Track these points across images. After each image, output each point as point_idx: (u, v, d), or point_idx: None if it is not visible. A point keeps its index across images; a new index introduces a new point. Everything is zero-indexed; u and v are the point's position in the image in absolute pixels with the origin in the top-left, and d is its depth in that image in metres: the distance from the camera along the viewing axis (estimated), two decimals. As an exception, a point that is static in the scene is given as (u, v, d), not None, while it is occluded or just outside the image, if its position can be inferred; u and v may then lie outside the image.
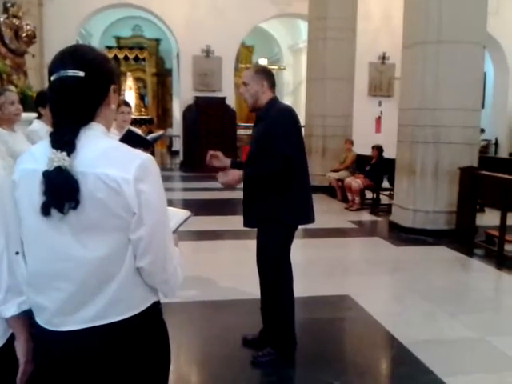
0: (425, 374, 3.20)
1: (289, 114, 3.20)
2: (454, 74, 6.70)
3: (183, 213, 1.76)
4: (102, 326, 1.35)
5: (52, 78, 1.36)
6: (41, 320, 1.41)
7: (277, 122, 3.09)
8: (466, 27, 6.70)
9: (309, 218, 3.32)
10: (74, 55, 1.37)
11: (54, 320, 1.38)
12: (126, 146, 1.40)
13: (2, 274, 1.47)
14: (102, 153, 1.32)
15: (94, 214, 1.30)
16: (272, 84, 3.26)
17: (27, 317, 1.50)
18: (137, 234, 1.34)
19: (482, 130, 16.24)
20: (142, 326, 1.41)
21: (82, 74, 1.33)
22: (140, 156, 1.35)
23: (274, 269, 3.27)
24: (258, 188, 3.19)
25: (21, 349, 1.53)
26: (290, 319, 3.34)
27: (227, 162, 3.31)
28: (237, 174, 3.14)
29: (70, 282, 1.34)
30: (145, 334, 1.42)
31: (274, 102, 3.26)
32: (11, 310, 1.49)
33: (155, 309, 1.48)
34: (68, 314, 1.35)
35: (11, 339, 1.55)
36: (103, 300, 1.34)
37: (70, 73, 1.33)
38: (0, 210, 1.46)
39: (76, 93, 1.33)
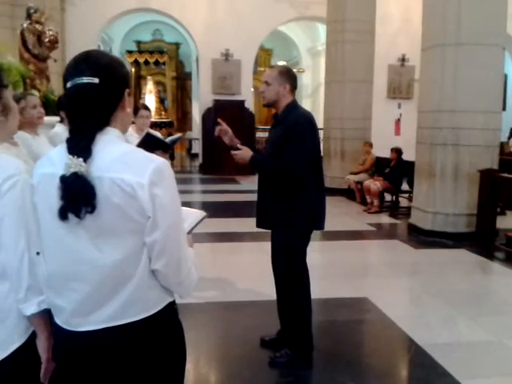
0: (442, 376, 3.19)
1: (307, 121, 3.18)
2: (473, 76, 6.65)
3: (198, 213, 1.77)
4: (119, 327, 1.38)
5: (67, 86, 1.39)
6: (59, 320, 1.45)
7: (294, 130, 3.09)
8: (485, 29, 6.64)
9: (320, 224, 3.32)
10: (88, 62, 1.39)
11: (71, 320, 1.41)
12: (140, 151, 1.43)
13: (23, 273, 1.52)
14: (117, 158, 1.35)
15: (110, 218, 1.33)
16: (294, 87, 3.26)
17: (48, 315, 1.53)
18: (151, 237, 1.36)
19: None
20: (157, 326, 1.44)
21: (96, 80, 1.36)
22: (154, 161, 1.37)
23: (290, 272, 3.29)
24: (272, 190, 3.22)
25: (42, 346, 1.58)
26: (306, 321, 3.35)
27: (236, 142, 3.30)
28: (248, 154, 3.16)
29: (86, 283, 1.37)
30: (161, 333, 1.45)
31: (294, 106, 3.25)
32: (31, 308, 1.53)
33: (171, 309, 1.50)
34: (85, 315, 1.39)
35: (34, 337, 1.60)
36: (119, 301, 1.37)
37: (85, 80, 1.36)
38: (22, 211, 1.51)
39: (91, 99, 1.36)
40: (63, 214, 1.33)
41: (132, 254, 1.37)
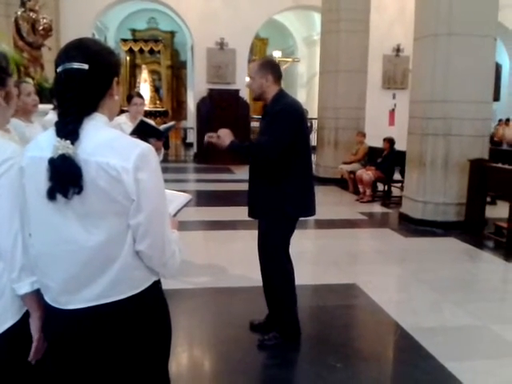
0: (426, 359, 3.29)
1: (291, 110, 3.23)
2: (464, 67, 6.71)
3: (183, 197, 1.84)
4: (106, 305, 1.45)
5: (58, 70, 1.45)
6: (48, 298, 1.52)
7: (276, 117, 3.16)
8: (476, 19, 6.69)
9: (310, 210, 3.40)
10: (79, 48, 1.45)
11: (59, 298, 1.48)
12: (126, 136, 1.49)
13: (16, 253, 1.56)
14: (103, 142, 1.41)
15: (96, 200, 1.39)
16: (278, 77, 3.30)
17: (40, 295, 1.59)
18: (135, 219, 1.42)
19: (500, 121, 16.25)
20: (143, 303, 1.51)
21: (86, 66, 1.41)
22: (139, 146, 1.43)
23: (275, 258, 3.38)
24: (261, 180, 3.29)
25: (34, 325, 1.63)
26: (291, 305, 3.45)
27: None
28: (228, 136, 3.20)
29: (73, 263, 1.44)
30: (146, 310, 1.52)
31: (281, 95, 3.29)
32: (24, 287, 1.58)
33: (155, 287, 1.57)
34: (72, 293, 1.45)
35: (27, 316, 1.65)
36: (106, 280, 1.44)
37: (75, 65, 1.41)
38: (15, 193, 1.55)
39: (80, 84, 1.41)
40: (51, 195, 1.38)
41: (117, 235, 1.43)
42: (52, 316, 1.52)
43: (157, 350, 1.59)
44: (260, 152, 3.19)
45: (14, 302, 1.62)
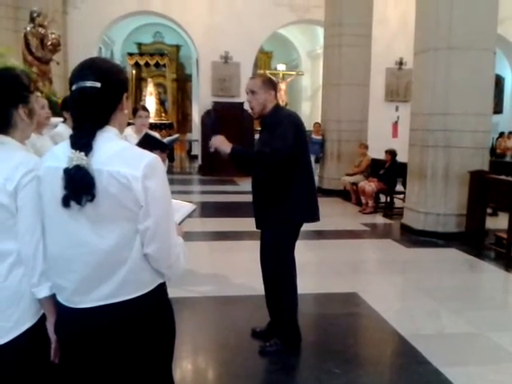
0: (422, 364, 3.38)
1: (291, 119, 3.40)
2: (464, 80, 6.83)
3: (188, 206, 1.96)
4: (115, 304, 1.56)
5: (72, 88, 1.59)
6: (61, 298, 1.64)
7: (279, 127, 3.28)
8: (476, 33, 6.82)
9: (314, 215, 3.52)
10: (92, 67, 1.59)
11: (72, 298, 1.60)
12: (135, 148, 1.62)
13: (37, 260, 1.67)
14: (115, 153, 1.54)
15: (108, 206, 1.51)
16: (276, 92, 3.50)
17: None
18: (144, 224, 1.54)
19: (502, 134, 16.32)
20: (149, 303, 1.62)
21: (98, 84, 1.55)
22: (147, 156, 1.56)
23: (279, 266, 3.49)
24: (264, 191, 3.41)
25: (51, 327, 1.73)
26: (293, 312, 3.55)
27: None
28: (223, 142, 3.25)
29: (85, 265, 1.55)
30: (152, 310, 1.63)
31: (278, 108, 3.48)
32: (43, 291, 1.69)
33: (161, 289, 1.68)
34: (85, 293, 1.57)
35: (44, 319, 1.75)
36: (115, 281, 1.56)
37: (88, 84, 1.55)
38: (37, 203, 1.66)
39: (93, 101, 1.55)
40: (66, 202, 1.51)
41: (126, 239, 1.55)
42: (65, 315, 1.63)
43: (161, 349, 1.70)
44: (265, 159, 3.27)
45: (32, 305, 1.72)
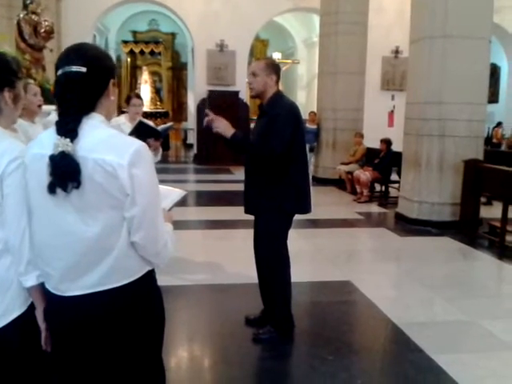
0: (414, 351, 3.41)
1: (291, 110, 3.37)
2: (459, 69, 6.82)
3: (178, 192, 1.94)
4: (103, 291, 1.56)
5: (58, 73, 1.56)
6: (50, 286, 1.63)
7: (277, 119, 3.26)
8: (471, 22, 6.81)
9: (306, 207, 3.52)
10: (78, 52, 1.57)
11: (60, 286, 1.59)
12: (121, 135, 1.60)
13: (24, 248, 1.66)
14: (100, 140, 1.52)
15: (93, 194, 1.50)
16: (278, 78, 3.45)
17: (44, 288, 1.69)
18: (130, 212, 1.53)
19: (499, 124, 16.33)
20: (137, 290, 1.62)
21: (84, 69, 1.53)
22: (134, 144, 1.54)
23: (273, 255, 3.49)
24: (257, 176, 3.40)
25: (40, 316, 1.73)
26: (287, 300, 3.56)
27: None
28: (227, 127, 3.28)
29: (72, 253, 1.55)
30: (140, 297, 1.63)
31: (279, 96, 3.43)
32: (31, 280, 1.68)
33: (149, 276, 1.68)
34: (72, 281, 1.56)
35: (33, 308, 1.75)
36: (103, 269, 1.55)
37: (74, 68, 1.53)
38: (22, 191, 1.64)
39: (79, 86, 1.53)
40: (52, 189, 1.49)
41: (113, 227, 1.54)
42: (53, 302, 1.63)
43: (150, 336, 1.70)
44: (260, 156, 3.28)
45: (20, 294, 1.72)
